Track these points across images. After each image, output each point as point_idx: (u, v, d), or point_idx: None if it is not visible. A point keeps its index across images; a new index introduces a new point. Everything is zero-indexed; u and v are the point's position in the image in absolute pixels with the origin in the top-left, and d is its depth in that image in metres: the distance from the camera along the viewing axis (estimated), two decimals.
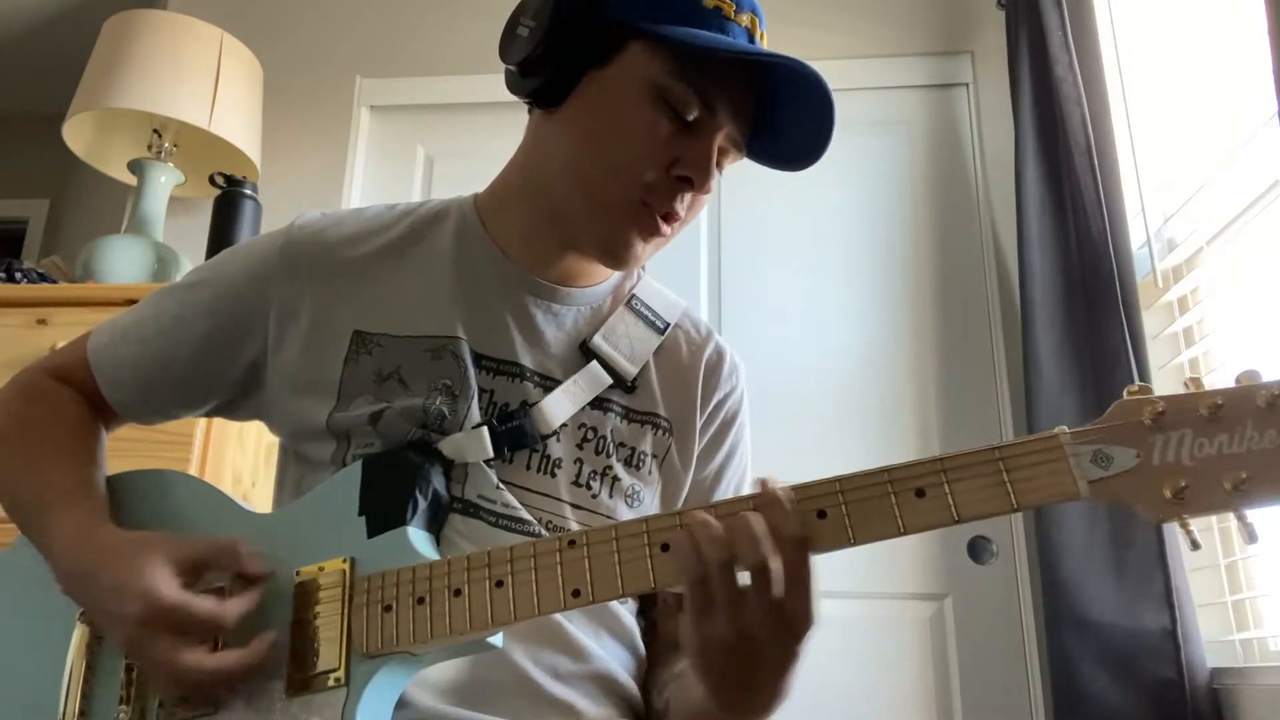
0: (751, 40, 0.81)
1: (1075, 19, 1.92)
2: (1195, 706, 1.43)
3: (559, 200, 0.84)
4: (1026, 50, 1.96)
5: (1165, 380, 1.70)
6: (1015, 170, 1.96)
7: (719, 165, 0.82)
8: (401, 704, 0.72)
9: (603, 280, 0.91)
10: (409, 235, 0.89)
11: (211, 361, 0.87)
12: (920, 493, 0.61)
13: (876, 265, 2.24)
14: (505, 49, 0.83)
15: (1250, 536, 0.56)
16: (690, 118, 0.78)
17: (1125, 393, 0.60)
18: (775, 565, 0.59)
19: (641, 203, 0.80)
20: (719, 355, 0.94)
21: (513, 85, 0.84)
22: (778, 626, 0.61)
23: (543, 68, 0.80)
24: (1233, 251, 1.55)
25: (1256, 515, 0.57)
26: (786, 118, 0.81)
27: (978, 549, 1.99)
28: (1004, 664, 1.94)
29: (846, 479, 0.62)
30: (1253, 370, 0.58)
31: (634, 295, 0.92)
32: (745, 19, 0.80)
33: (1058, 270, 1.79)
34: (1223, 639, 1.54)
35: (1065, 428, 0.60)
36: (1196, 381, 0.59)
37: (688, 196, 0.81)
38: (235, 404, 0.90)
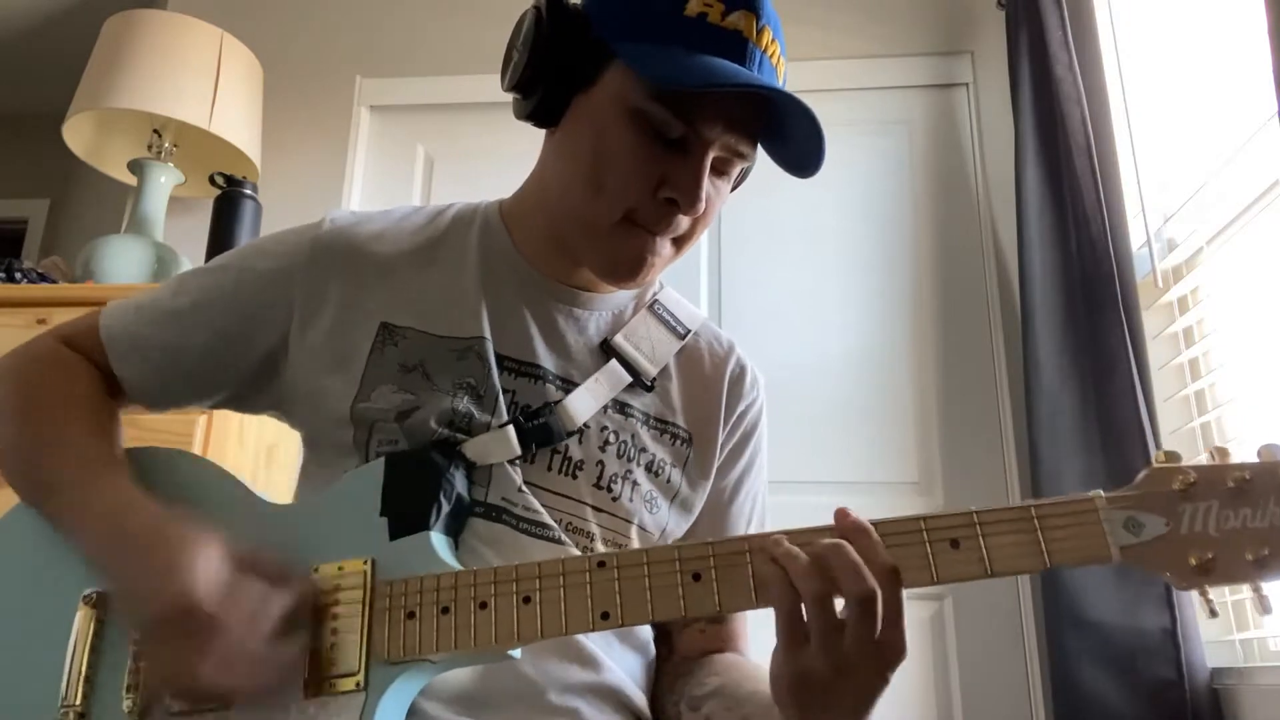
0: (745, 42, 0.77)
1: (1075, 19, 1.92)
2: (1195, 706, 1.42)
3: (558, 221, 0.85)
4: (1026, 50, 1.96)
5: (1165, 380, 1.70)
6: (1015, 170, 1.96)
7: (723, 173, 0.81)
8: (410, 712, 0.71)
9: None
10: (436, 237, 0.89)
11: (228, 347, 0.86)
12: (955, 544, 0.62)
13: (876, 265, 2.24)
14: (503, 74, 0.84)
15: (1264, 608, 0.58)
16: (674, 137, 0.77)
17: (1154, 460, 0.62)
18: (878, 597, 0.59)
19: (629, 221, 0.79)
20: (741, 369, 0.95)
21: (514, 108, 0.84)
22: (873, 657, 0.60)
23: (533, 91, 0.81)
24: (1233, 251, 1.55)
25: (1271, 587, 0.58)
26: (789, 119, 0.78)
27: None
28: (1004, 664, 1.94)
29: (880, 524, 0.63)
30: (1275, 445, 0.60)
31: (656, 300, 0.93)
32: (736, 20, 0.76)
33: (1058, 270, 1.79)
34: (1223, 639, 1.54)
35: (1101, 492, 0.63)
36: (1223, 452, 0.61)
37: (681, 219, 0.80)
38: (247, 396, 0.89)
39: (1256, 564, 0.58)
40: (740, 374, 0.95)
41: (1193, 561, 0.59)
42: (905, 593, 0.61)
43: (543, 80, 0.80)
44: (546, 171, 0.87)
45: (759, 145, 0.82)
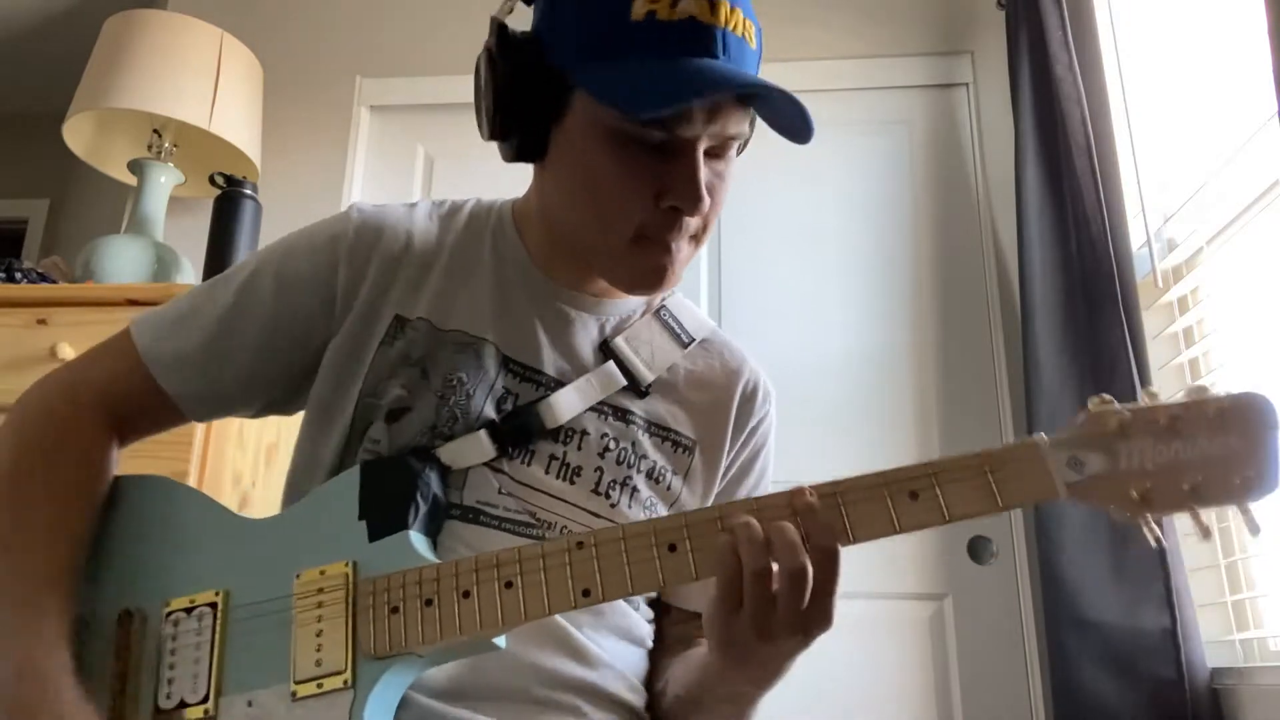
0: (702, 28, 0.72)
1: (1075, 19, 1.92)
2: (1195, 706, 1.42)
3: (571, 245, 0.84)
4: (1026, 50, 1.96)
5: (1165, 380, 1.70)
6: (1015, 170, 1.96)
7: (721, 156, 0.79)
8: (401, 704, 0.72)
9: None
10: (453, 235, 0.89)
11: (275, 353, 0.85)
12: (914, 495, 0.66)
13: (877, 265, 2.25)
14: (478, 126, 0.82)
15: (1204, 534, 0.63)
16: (659, 142, 0.75)
17: (1089, 404, 0.66)
18: (808, 573, 0.63)
19: (642, 237, 0.78)
20: (754, 385, 0.94)
21: (500, 153, 0.83)
22: (798, 627, 0.64)
23: (510, 135, 0.80)
24: (1233, 251, 1.55)
25: (1259, 507, 0.62)
26: (770, 96, 0.74)
27: (978, 549, 1.99)
28: (1004, 664, 1.94)
29: (844, 482, 0.67)
30: (1201, 385, 0.65)
31: (664, 306, 0.93)
32: (686, 6, 0.72)
33: (1058, 270, 1.79)
34: (1223, 639, 1.54)
35: (1044, 435, 0.67)
36: (1153, 395, 0.67)
37: (690, 221, 0.79)
38: (292, 400, 0.88)
39: (1192, 491, 0.63)
40: (753, 390, 0.93)
41: (1134, 494, 0.64)
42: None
43: (515, 121, 0.79)
44: (547, 201, 0.85)
45: (752, 111, 0.79)
